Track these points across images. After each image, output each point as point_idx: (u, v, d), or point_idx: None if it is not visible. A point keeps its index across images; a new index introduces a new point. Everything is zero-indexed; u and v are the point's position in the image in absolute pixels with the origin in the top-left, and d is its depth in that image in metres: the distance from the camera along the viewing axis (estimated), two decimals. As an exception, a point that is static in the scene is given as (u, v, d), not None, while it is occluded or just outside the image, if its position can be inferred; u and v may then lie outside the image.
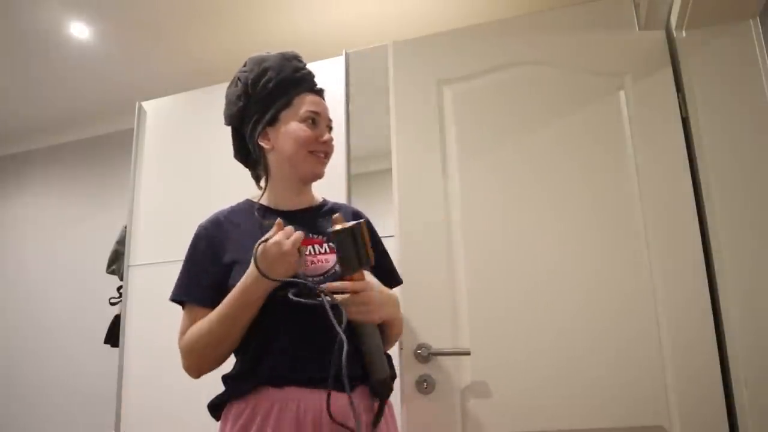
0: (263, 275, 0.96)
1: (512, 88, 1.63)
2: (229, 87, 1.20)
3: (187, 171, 2.05)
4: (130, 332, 1.97)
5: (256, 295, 0.99)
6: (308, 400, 0.98)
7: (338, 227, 0.96)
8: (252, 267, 0.98)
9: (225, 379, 1.07)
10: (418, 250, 1.57)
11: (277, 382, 1.00)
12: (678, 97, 1.49)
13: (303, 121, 1.14)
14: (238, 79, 1.17)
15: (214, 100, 2.09)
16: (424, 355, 1.49)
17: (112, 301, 2.20)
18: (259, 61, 1.17)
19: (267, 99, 1.15)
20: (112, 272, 2.25)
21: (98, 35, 2.42)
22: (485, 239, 1.55)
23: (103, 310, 2.29)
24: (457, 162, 1.62)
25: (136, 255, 2.04)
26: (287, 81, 1.15)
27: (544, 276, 1.50)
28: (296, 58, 1.19)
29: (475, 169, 1.61)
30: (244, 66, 1.18)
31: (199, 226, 1.15)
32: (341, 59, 1.87)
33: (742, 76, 1.39)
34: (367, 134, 1.88)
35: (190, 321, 1.08)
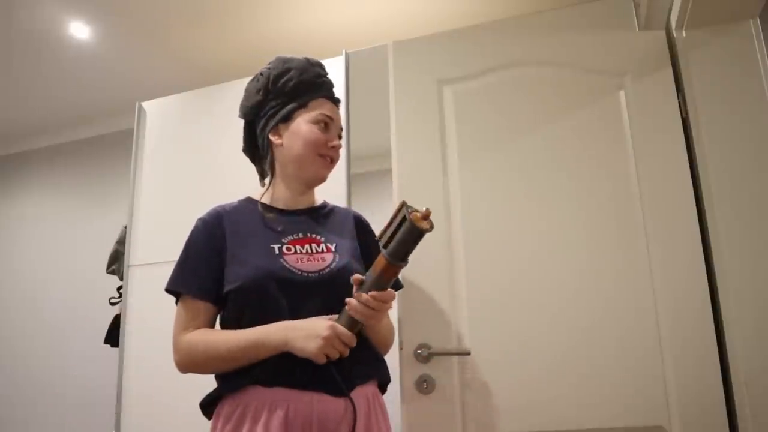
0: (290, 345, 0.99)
1: (512, 88, 1.63)
2: (250, 81, 1.22)
3: (187, 171, 2.05)
4: (130, 332, 1.97)
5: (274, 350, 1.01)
6: (298, 403, 0.98)
7: (424, 224, 0.99)
8: (285, 339, 0.99)
9: (217, 375, 1.07)
10: (418, 250, 1.56)
11: (266, 381, 1.00)
12: (678, 97, 1.49)
13: (316, 123, 1.15)
14: (261, 73, 1.19)
15: (214, 100, 2.11)
16: (424, 355, 1.49)
17: (112, 301, 2.20)
18: (285, 60, 1.19)
19: (285, 96, 1.16)
20: (112, 272, 2.25)
21: (98, 35, 2.41)
22: (485, 239, 1.55)
23: (103, 310, 2.29)
24: (457, 162, 1.62)
25: (136, 255, 2.04)
26: (307, 83, 1.17)
27: (544, 276, 1.50)
28: (320, 66, 1.22)
29: (475, 168, 1.61)
30: (270, 63, 1.20)
31: (198, 219, 1.15)
32: (341, 59, 1.87)
33: (742, 76, 1.39)
34: (367, 134, 1.88)
35: (187, 313, 1.08)
